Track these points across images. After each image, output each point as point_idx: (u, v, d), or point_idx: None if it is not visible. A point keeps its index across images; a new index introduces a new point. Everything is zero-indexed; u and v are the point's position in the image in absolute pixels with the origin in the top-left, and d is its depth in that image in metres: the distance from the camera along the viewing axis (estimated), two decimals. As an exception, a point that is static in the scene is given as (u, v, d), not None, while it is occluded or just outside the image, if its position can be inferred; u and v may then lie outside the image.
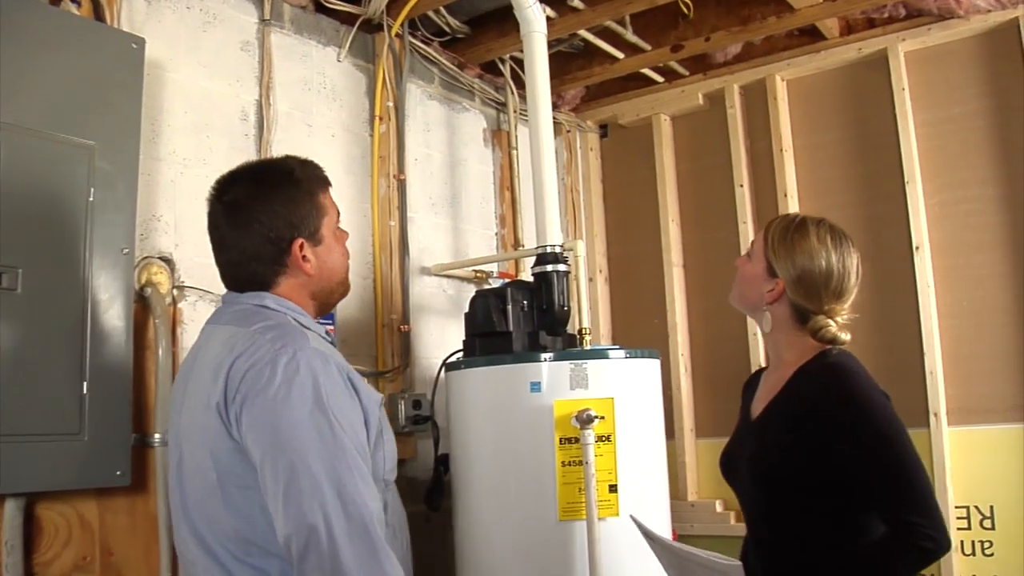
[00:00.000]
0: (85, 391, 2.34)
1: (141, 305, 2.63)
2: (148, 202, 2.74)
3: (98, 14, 2.61)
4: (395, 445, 1.83)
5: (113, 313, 2.45)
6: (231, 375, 1.62)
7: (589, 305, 4.61)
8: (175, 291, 2.77)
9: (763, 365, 2.26)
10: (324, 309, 1.92)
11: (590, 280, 4.67)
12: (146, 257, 2.70)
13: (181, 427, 1.77)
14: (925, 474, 1.79)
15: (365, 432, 1.67)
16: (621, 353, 2.93)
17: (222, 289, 2.82)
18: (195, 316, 2.81)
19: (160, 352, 2.60)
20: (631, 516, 2.51)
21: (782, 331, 2.04)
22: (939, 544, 1.72)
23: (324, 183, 1.91)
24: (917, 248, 3.78)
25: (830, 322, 1.96)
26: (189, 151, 2.89)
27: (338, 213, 1.93)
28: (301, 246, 1.81)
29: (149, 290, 2.65)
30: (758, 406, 2.07)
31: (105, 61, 2.51)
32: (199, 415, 1.67)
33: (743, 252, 2.35)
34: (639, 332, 4.53)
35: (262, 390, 1.58)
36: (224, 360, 1.65)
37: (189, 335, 2.78)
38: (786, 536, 1.93)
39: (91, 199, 2.42)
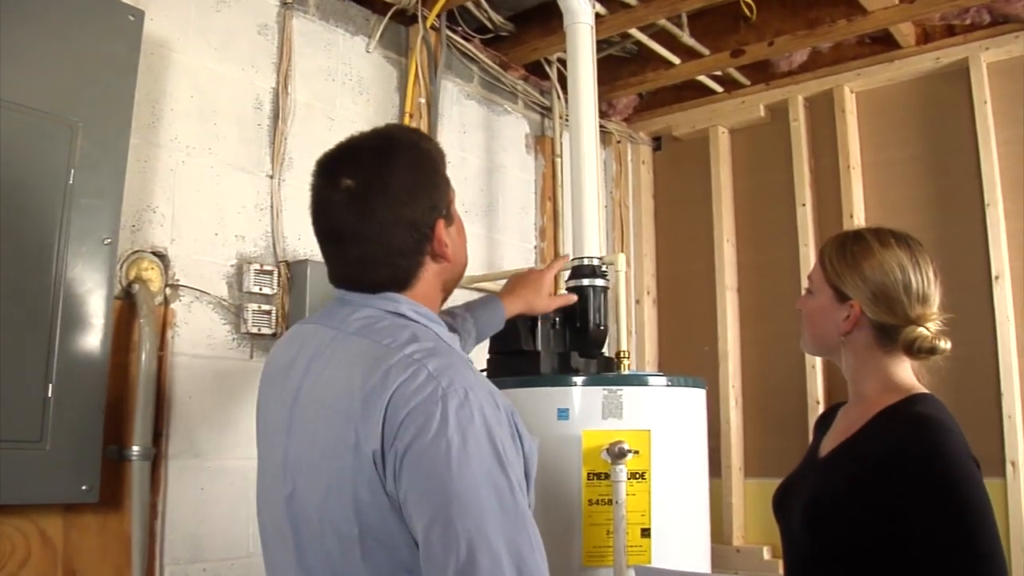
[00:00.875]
0: (49, 394, 2.10)
1: (127, 303, 2.40)
2: (143, 191, 2.50)
3: (96, -17, 2.39)
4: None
5: (89, 309, 2.20)
6: (389, 415, 1.31)
7: (635, 328, 4.36)
8: (168, 290, 2.52)
9: (841, 400, 1.99)
10: (444, 301, 1.64)
11: (637, 302, 4.38)
12: (137, 251, 2.46)
13: (293, 457, 1.45)
14: (1002, 563, 1.51)
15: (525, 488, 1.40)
16: (662, 380, 2.62)
17: (220, 290, 2.67)
18: (190, 318, 2.56)
19: (144, 356, 2.35)
20: (634, 568, 2.22)
21: (866, 359, 1.77)
22: None
23: (444, 156, 1.61)
24: (996, 278, 3.44)
25: (922, 330, 1.69)
26: (193, 138, 2.65)
27: (455, 192, 1.63)
28: (442, 228, 1.51)
29: (137, 287, 2.41)
30: (828, 444, 1.82)
31: (96, 33, 2.28)
32: (334, 454, 1.36)
33: (804, 278, 2.06)
34: (687, 359, 4.24)
35: (432, 442, 1.28)
36: (376, 391, 1.33)
37: (183, 339, 2.53)
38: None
39: (70, 182, 2.19)
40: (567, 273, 2.83)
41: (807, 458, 1.92)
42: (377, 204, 1.44)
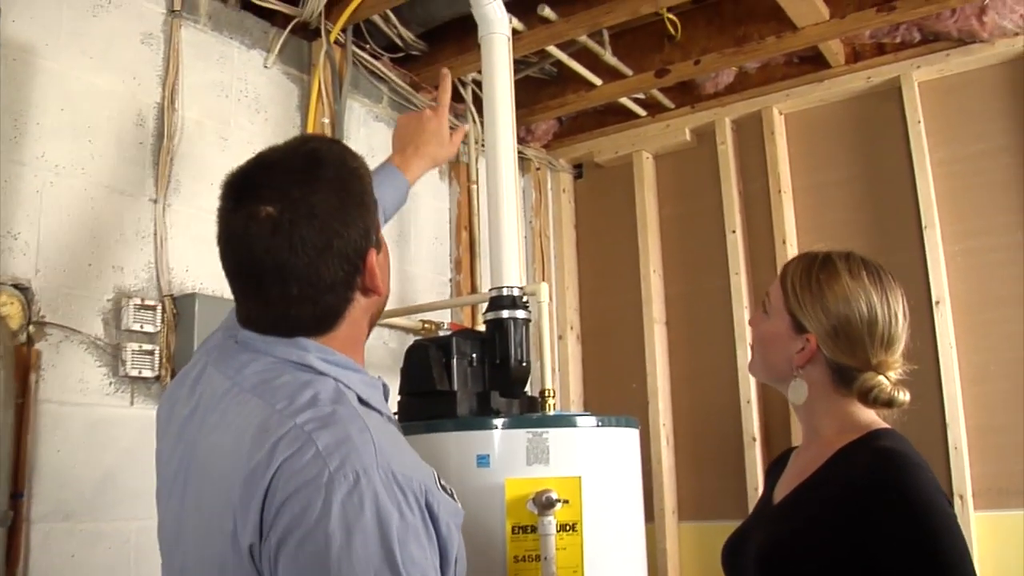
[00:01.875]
0: None
1: (-21, 343, 2.07)
2: (2, 215, 2.20)
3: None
4: (466, 564, 1.29)
5: (-71, 351, 1.89)
6: (267, 502, 1.10)
7: (558, 365, 4.13)
8: (31, 328, 2.21)
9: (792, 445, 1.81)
10: (368, 335, 1.40)
11: (560, 337, 4.17)
12: (-7, 284, 2.15)
13: (183, 529, 1.23)
14: None
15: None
16: (591, 421, 2.39)
17: (94, 328, 2.36)
18: (58, 360, 2.25)
19: (-1, 405, 2.03)
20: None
21: (818, 399, 1.60)
22: None
23: (369, 170, 1.37)
24: (937, 303, 3.32)
25: (882, 380, 1.51)
26: (63, 156, 2.35)
27: None
28: (374, 258, 1.30)
29: (-8, 325, 2.09)
30: (782, 490, 1.65)
31: (-58, 31, 1.98)
32: (213, 539, 1.14)
33: (745, 306, 1.87)
34: (615, 398, 4.04)
35: (310, 533, 1.07)
36: (258, 471, 1.11)
37: (48, 384, 2.23)
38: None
39: (-93, 202, 1.87)
40: (484, 305, 2.60)
41: (759, 508, 1.75)
42: (305, 234, 1.22)
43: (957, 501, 3.13)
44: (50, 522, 2.18)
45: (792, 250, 3.60)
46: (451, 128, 2.12)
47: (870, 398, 1.51)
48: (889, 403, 1.51)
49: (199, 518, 1.19)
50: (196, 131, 2.70)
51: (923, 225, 3.36)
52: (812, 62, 3.62)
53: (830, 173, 3.66)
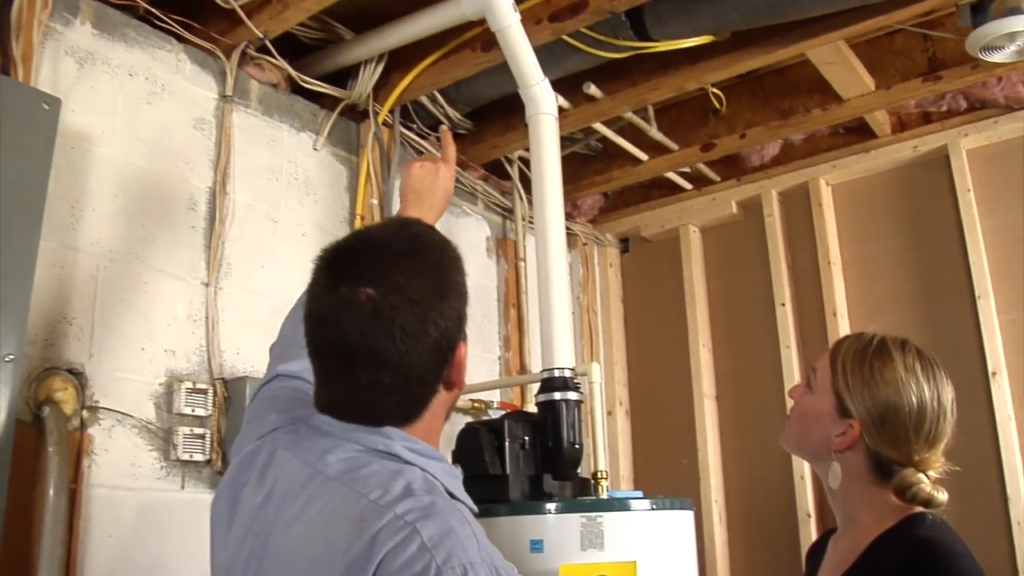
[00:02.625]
0: (-69, 542, 1.76)
1: (34, 429, 2.09)
2: (57, 301, 2.22)
3: (7, 69, 2.15)
4: None
5: (-16, 439, 1.89)
6: None
7: (607, 441, 4.06)
8: (85, 412, 2.21)
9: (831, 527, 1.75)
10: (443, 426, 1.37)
11: (609, 414, 4.12)
12: (48, 368, 2.17)
13: None
14: None
15: None
16: (646, 504, 2.34)
17: (146, 412, 2.36)
18: (111, 445, 2.25)
19: (51, 491, 2.03)
20: None
21: (856, 486, 1.55)
22: None
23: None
24: (993, 374, 3.24)
25: (922, 478, 1.47)
26: (118, 242, 2.38)
27: None
28: (463, 352, 1.27)
29: (47, 409, 2.10)
30: None
31: (3, 122, 2.01)
32: None
33: (796, 380, 1.83)
34: (666, 473, 3.98)
35: None
36: (359, 563, 1.08)
37: (100, 468, 2.23)
38: None
39: (-33, 291, 1.89)
40: (535, 387, 2.57)
41: None
42: (404, 322, 1.18)
43: (1023, 579, 3.02)
44: (101, 611, 2.17)
45: (843, 322, 3.55)
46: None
47: (908, 495, 1.46)
48: (927, 503, 1.46)
49: None
50: (247, 214, 2.73)
51: (976, 295, 3.29)
52: (858, 132, 3.61)
53: (879, 244, 3.61)
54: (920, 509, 1.48)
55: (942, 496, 1.46)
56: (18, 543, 1.99)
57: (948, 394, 1.52)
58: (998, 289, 3.30)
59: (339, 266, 1.23)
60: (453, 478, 1.26)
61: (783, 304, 3.72)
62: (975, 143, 3.44)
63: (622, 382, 4.21)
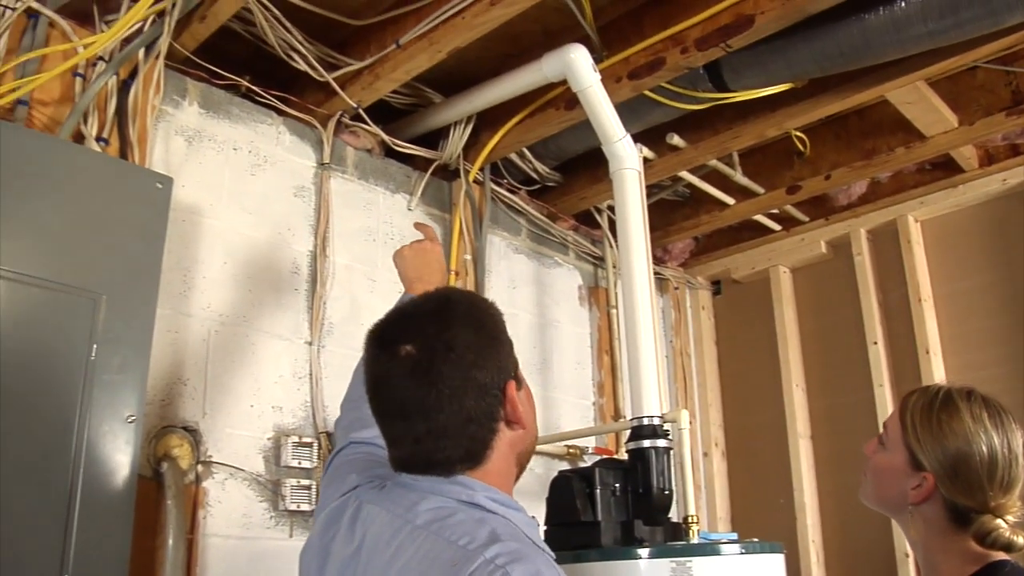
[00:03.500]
0: (66, 589, 1.91)
1: (154, 483, 2.24)
2: (173, 364, 2.38)
3: (125, 153, 2.33)
4: None
5: (110, 491, 2.03)
6: None
7: (705, 483, 4.09)
8: (199, 467, 2.37)
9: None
10: (518, 477, 1.43)
11: (705, 455, 4.14)
12: (166, 426, 2.33)
13: None
14: None
15: None
16: (736, 548, 2.36)
17: (256, 465, 2.51)
18: (223, 496, 2.39)
19: (171, 541, 2.18)
20: None
21: (935, 536, 1.57)
22: None
23: (502, 315, 1.46)
24: (1093, 410, 3.13)
25: (1000, 523, 1.48)
26: (227, 306, 2.54)
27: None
28: (513, 389, 1.35)
29: (165, 465, 2.27)
30: None
31: (122, 202, 2.19)
32: None
33: (881, 422, 1.85)
34: (762, 514, 3.97)
35: None
36: None
37: (214, 519, 2.37)
38: None
39: (92, 357, 2.05)
40: (627, 433, 2.63)
41: None
42: (443, 369, 1.28)
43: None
44: (219, 652, 2.30)
45: (936, 359, 3.51)
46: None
47: (987, 541, 1.48)
48: (1008, 547, 1.48)
49: None
50: (346, 275, 2.87)
51: (1073, 329, 3.24)
52: (944, 168, 3.58)
53: (971, 279, 3.57)
54: (1000, 556, 1.50)
55: (1022, 540, 1.48)
56: (141, 590, 2.14)
57: (1018, 439, 1.54)
58: (1096, 320, 3.24)
59: (382, 336, 1.35)
60: (533, 528, 1.33)
61: (875, 343, 3.70)
62: (1065, 172, 3.39)
63: (717, 423, 4.22)
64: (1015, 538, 1.47)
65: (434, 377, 1.28)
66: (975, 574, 1.49)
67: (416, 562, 1.22)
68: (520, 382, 1.39)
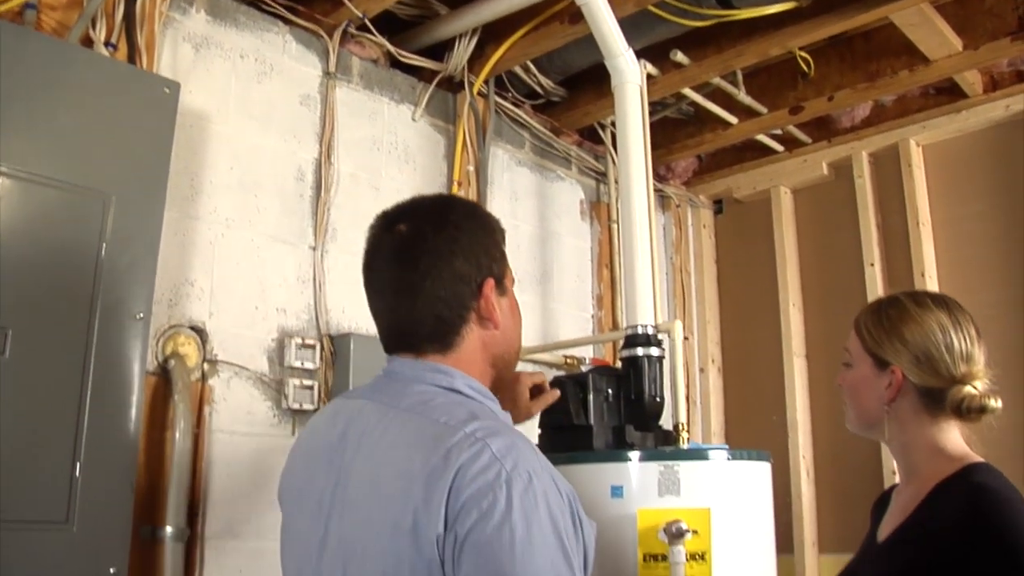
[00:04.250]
0: (77, 473, 2.01)
1: (162, 379, 2.34)
2: (180, 265, 2.46)
3: (133, 58, 2.37)
4: None
5: (120, 386, 2.13)
6: (452, 498, 1.23)
7: (700, 398, 4.19)
8: (206, 365, 2.45)
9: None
10: (495, 385, 1.52)
11: (701, 371, 4.22)
12: (173, 325, 2.41)
13: (341, 540, 1.36)
14: None
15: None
16: (722, 454, 2.44)
17: (260, 365, 2.60)
18: (228, 394, 2.49)
19: (178, 434, 2.27)
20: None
21: (913, 429, 1.65)
22: None
23: (503, 232, 1.56)
24: (1082, 333, 3.21)
25: (971, 388, 1.58)
26: (233, 211, 2.60)
27: (512, 274, 1.57)
28: (492, 289, 1.44)
29: (173, 362, 2.35)
30: (886, 528, 1.69)
31: (130, 106, 2.25)
32: (391, 537, 1.28)
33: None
34: (755, 430, 4.05)
35: (496, 528, 1.21)
36: (437, 472, 1.24)
37: (220, 415, 2.46)
38: None
39: (102, 256, 2.13)
40: (622, 341, 2.70)
41: (864, 547, 1.80)
42: (426, 248, 1.40)
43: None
44: (221, 540, 2.41)
45: (931, 283, 3.55)
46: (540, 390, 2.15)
47: (963, 409, 1.56)
48: (982, 409, 1.56)
49: (365, 527, 1.31)
50: (350, 183, 2.93)
51: (1067, 254, 3.27)
52: (949, 92, 3.58)
53: (970, 205, 3.60)
54: (976, 458, 1.58)
55: (996, 403, 1.57)
56: (151, 476, 2.25)
57: (968, 319, 1.64)
58: (1090, 247, 3.27)
59: (385, 216, 1.47)
60: (508, 418, 1.44)
61: (872, 264, 3.74)
62: (1070, 101, 3.39)
63: (715, 340, 4.29)
64: (988, 401, 1.56)
65: (417, 254, 1.39)
66: (952, 475, 1.55)
67: (402, 438, 1.32)
68: (504, 289, 1.48)
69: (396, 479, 1.28)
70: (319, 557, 1.37)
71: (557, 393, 2.26)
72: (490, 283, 1.43)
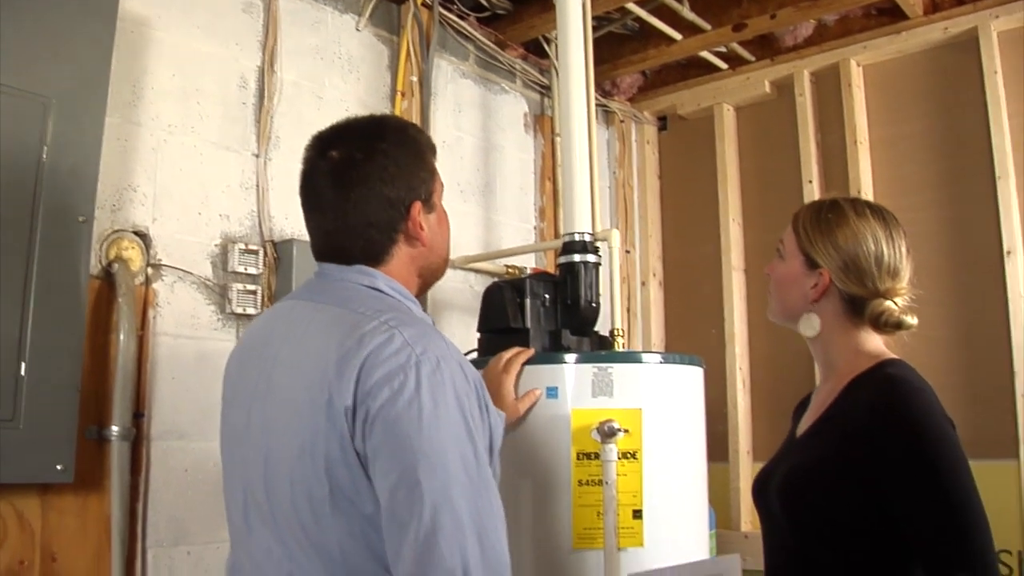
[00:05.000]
0: (23, 373, 2.06)
1: (106, 283, 2.37)
2: (123, 170, 2.47)
3: (71, -41, 2.35)
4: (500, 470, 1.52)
5: (64, 288, 2.17)
6: (363, 375, 1.33)
7: (641, 311, 4.27)
8: (149, 269, 2.49)
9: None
10: (422, 291, 1.66)
11: (643, 284, 4.31)
12: (117, 230, 2.43)
13: (266, 421, 1.45)
14: (985, 522, 1.46)
15: (488, 458, 1.42)
16: (655, 358, 2.54)
17: (204, 270, 2.63)
18: (172, 298, 2.52)
19: (122, 336, 2.32)
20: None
21: (833, 331, 1.72)
22: None
23: (434, 148, 1.66)
24: (1009, 253, 3.33)
25: (891, 304, 1.65)
26: (175, 117, 2.61)
27: (442, 185, 1.65)
28: (419, 211, 1.55)
29: (116, 266, 2.38)
30: (805, 423, 1.78)
31: (69, 9, 2.24)
32: (307, 413, 1.37)
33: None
34: (695, 343, 4.14)
35: (407, 404, 1.31)
36: (351, 353, 1.35)
37: (164, 319, 2.50)
38: (808, 576, 1.63)
39: (43, 158, 2.14)
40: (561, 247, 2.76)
41: (785, 444, 1.88)
42: (357, 176, 1.50)
43: (1022, 448, 3.17)
44: (166, 440, 2.48)
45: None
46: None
47: (880, 322, 1.64)
48: (898, 325, 1.64)
49: (286, 406, 1.41)
50: (294, 91, 2.94)
51: (996, 176, 3.36)
52: (890, 14, 3.63)
53: (907, 125, 3.67)
54: (892, 355, 1.66)
55: (911, 320, 1.65)
56: (97, 377, 2.30)
57: (901, 235, 1.70)
58: (1019, 171, 3.35)
59: (319, 141, 1.56)
60: (427, 319, 1.55)
61: (810, 181, 3.81)
62: (1005, 25, 3.44)
63: (657, 254, 4.36)
64: (905, 317, 1.64)
65: (347, 182, 1.50)
66: (867, 369, 1.63)
67: (323, 326, 1.43)
68: (433, 207, 1.59)
69: (315, 361, 1.38)
70: (246, 438, 1.48)
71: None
72: (417, 206, 1.53)
